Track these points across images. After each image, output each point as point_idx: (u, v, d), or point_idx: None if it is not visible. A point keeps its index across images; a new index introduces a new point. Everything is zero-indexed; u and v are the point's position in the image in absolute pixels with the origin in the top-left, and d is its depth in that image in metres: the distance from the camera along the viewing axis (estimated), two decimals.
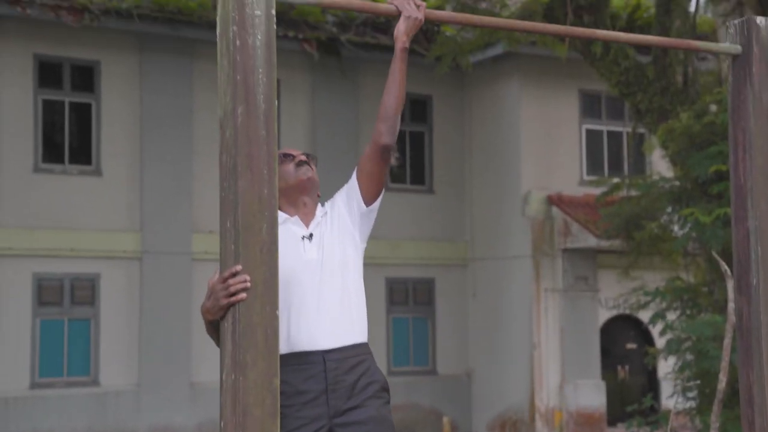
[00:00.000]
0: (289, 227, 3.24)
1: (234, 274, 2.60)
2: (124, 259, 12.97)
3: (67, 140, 13.10)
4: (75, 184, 12.90)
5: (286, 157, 3.31)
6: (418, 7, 3.04)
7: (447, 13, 3.08)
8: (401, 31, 3.06)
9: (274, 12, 2.62)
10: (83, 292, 12.82)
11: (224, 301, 2.62)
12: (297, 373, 3.12)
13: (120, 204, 13.02)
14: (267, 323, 2.59)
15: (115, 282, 12.92)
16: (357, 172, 3.30)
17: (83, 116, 13.17)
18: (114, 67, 13.16)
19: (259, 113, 2.60)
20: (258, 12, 2.60)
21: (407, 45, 3.08)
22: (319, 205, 3.35)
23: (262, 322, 2.58)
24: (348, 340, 3.18)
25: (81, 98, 13.13)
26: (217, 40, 2.66)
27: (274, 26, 2.63)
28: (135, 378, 12.90)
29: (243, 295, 2.59)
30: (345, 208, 3.31)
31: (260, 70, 2.60)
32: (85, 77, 13.18)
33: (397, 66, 3.11)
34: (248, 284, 2.58)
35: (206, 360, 12.89)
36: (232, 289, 2.60)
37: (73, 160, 13.03)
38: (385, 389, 3.24)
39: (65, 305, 12.75)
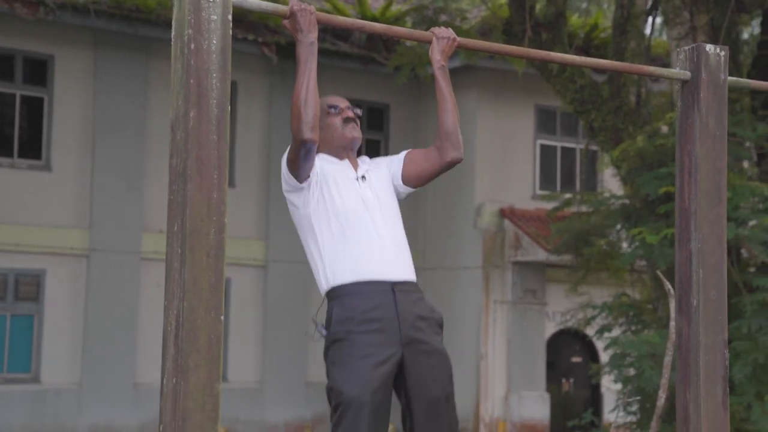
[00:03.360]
0: (341, 168, 3.31)
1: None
2: (71, 256, 12.79)
3: (17, 134, 12.90)
4: (23, 178, 12.70)
5: (333, 108, 3.36)
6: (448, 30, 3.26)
7: (480, 42, 3.25)
8: (435, 51, 3.25)
9: (230, 17, 2.62)
10: (27, 287, 12.62)
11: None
12: (364, 300, 3.16)
13: (69, 200, 12.85)
14: (211, 328, 2.57)
15: (61, 279, 12.74)
16: (407, 159, 3.41)
17: (35, 110, 12.98)
18: (68, 62, 12.99)
19: (211, 117, 2.59)
20: (214, 16, 2.59)
21: (443, 63, 3.27)
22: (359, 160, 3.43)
23: (205, 327, 2.56)
24: (410, 276, 3.28)
25: (33, 92, 12.94)
26: (172, 42, 2.65)
27: (230, 31, 2.62)
28: (77, 377, 12.72)
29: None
30: (386, 170, 3.40)
31: (214, 75, 2.59)
32: (38, 71, 12.99)
33: (441, 84, 3.31)
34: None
35: (150, 361, 12.76)
36: None
37: (23, 154, 12.83)
38: (441, 326, 3.32)
39: (8, 300, 12.54)
